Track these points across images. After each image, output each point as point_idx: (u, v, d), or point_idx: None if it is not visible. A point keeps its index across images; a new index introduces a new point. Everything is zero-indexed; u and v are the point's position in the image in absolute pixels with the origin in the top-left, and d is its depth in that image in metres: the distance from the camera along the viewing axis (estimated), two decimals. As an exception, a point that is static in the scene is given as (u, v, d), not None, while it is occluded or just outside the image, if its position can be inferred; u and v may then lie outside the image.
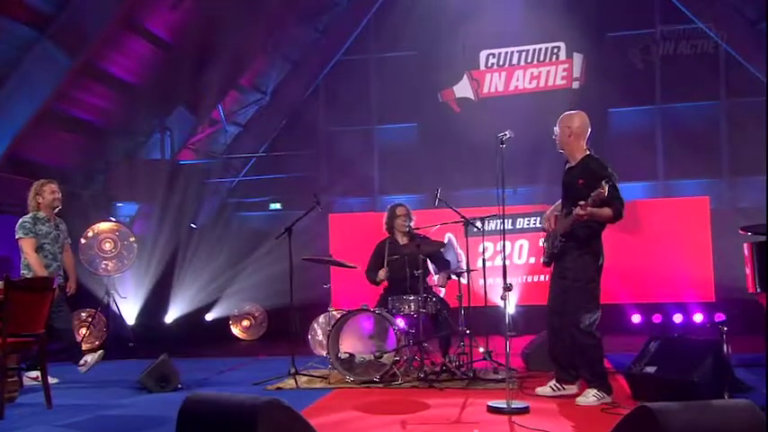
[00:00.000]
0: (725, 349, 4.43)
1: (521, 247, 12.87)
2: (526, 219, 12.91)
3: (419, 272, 6.13)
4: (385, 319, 5.94)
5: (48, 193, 6.60)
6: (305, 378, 6.17)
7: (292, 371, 6.19)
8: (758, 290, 5.18)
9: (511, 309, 12.19)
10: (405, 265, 6.62)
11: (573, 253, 5.05)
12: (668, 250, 12.18)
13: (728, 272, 11.77)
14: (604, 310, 12.28)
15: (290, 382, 6.09)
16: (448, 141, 13.90)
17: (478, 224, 6.62)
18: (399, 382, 5.79)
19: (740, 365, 6.17)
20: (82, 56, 10.60)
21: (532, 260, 12.82)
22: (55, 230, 6.67)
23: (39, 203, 6.59)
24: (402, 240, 6.85)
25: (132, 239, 11.24)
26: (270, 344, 12.08)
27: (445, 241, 13.26)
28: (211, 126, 14.66)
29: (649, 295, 12.23)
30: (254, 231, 14.28)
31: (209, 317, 13.18)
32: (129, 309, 11.99)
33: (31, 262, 6.37)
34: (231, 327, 13.07)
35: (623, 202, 4.96)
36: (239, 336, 13.08)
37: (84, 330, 11.09)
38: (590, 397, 4.87)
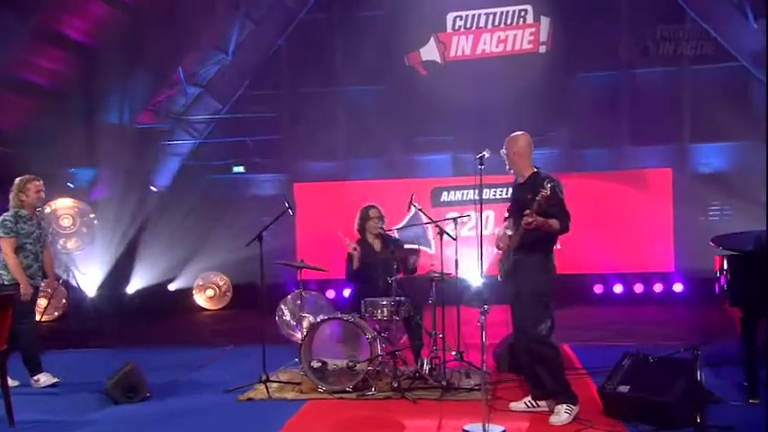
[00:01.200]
0: (698, 374, 4.50)
1: (487, 218, 12.90)
2: (492, 189, 12.91)
3: (393, 279, 6.08)
4: (358, 327, 5.90)
5: (32, 191, 6.21)
6: (276, 385, 6.14)
7: (264, 378, 6.14)
8: (730, 304, 5.26)
9: (478, 282, 12.31)
10: (378, 269, 6.55)
11: (525, 268, 5.08)
12: (630, 221, 12.41)
13: (686, 239, 12.06)
14: (567, 281, 12.69)
15: (261, 390, 6.04)
16: (415, 105, 13.70)
17: (452, 232, 6.54)
18: (372, 392, 5.79)
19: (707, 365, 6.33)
20: (35, 18, 10.16)
21: (499, 230, 12.87)
22: (37, 229, 6.32)
23: (22, 201, 6.23)
24: (374, 243, 6.76)
25: (92, 216, 10.95)
26: (235, 316, 12.03)
27: (411, 212, 13.29)
28: (171, 87, 14.21)
29: (611, 266, 12.46)
30: (217, 196, 14.07)
31: (172, 287, 13.04)
32: (91, 279, 11.79)
33: (10, 264, 6.06)
34: (195, 296, 12.96)
35: (570, 216, 5.01)
36: (203, 305, 13.00)
37: (43, 302, 10.88)
38: (562, 414, 4.94)
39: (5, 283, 6.16)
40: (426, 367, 6.10)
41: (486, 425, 4.55)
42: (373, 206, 6.81)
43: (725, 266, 5.41)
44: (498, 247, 5.38)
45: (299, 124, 14.40)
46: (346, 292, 12.94)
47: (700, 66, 13.05)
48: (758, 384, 5.06)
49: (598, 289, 12.47)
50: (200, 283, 12.95)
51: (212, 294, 13.01)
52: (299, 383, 6.10)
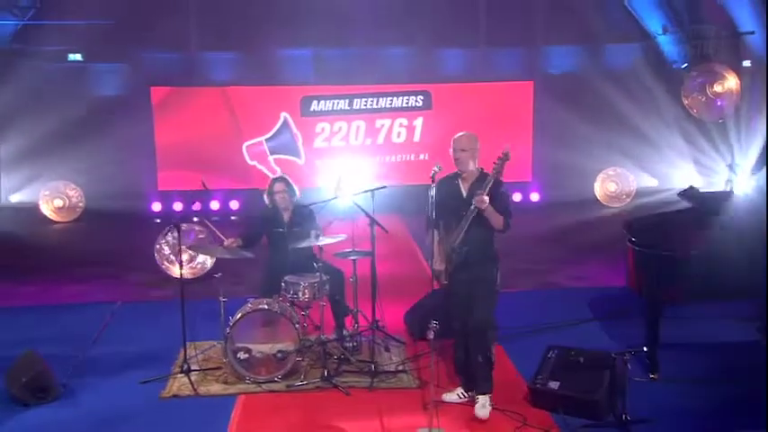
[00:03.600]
0: (625, 377, 4.91)
1: (357, 128, 12.77)
2: (363, 99, 12.71)
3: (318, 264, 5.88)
4: (285, 317, 5.75)
5: None
6: (196, 374, 5.87)
7: (185, 367, 5.84)
8: (639, 293, 5.73)
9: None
10: (285, 241, 6.28)
11: (480, 260, 5.17)
12: (493, 132, 12.67)
13: (544, 149, 12.72)
14: (425, 191, 12.83)
15: (184, 384, 5.75)
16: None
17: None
18: (303, 382, 5.75)
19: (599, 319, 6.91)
20: None
21: (369, 141, 12.85)
22: None
23: None
24: (284, 213, 6.45)
25: None
26: (87, 234, 11.32)
27: (281, 121, 12.81)
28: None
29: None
30: (53, 90, 12.63)
31: (14, 198, 11.85)
32: None
33: None
34: (41, 207, 11.91)
35: (512, 216, 5.14)
36: (51, 217, 12.00)
37: None
38: (487, 406, 5.18)
39: None
40: (349, 344, 6.13)
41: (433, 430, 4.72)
42: (280, 179, 6.45)
43: (635, 261, 5.84)
44: (435, 268, 5.37)
45: (142, 6, 12.61)
46: (233, 204, 12.69)
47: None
48: (658, 362, 5.58)
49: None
50: (47, 194, 11.85)
51: (61, 205, 12.01)
52: (218, 368, 5.90)
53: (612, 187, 12.80)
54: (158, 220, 11.92)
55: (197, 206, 12.56)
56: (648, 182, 13.31)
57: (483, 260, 5.19)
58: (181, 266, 6.51)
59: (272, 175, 6.95)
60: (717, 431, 4.98)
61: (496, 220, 5.05)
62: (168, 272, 8.84)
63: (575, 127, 12.49)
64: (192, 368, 5.80)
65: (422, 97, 12.91)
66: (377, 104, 12.76)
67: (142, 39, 12.77)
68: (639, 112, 12.68)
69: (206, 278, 8.56)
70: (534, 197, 13.05)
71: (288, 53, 13.20)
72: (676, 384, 5.52)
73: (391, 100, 12.85)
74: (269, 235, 6.42)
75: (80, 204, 12.11)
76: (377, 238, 6.18)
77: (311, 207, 6.53)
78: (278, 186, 6.35)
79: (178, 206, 11.97)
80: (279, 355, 5.65)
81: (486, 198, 4.92)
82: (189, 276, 8.85)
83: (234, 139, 12.75)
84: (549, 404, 5.23)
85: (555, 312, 7.13)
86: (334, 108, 12.75)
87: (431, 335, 4.77)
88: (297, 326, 5.67)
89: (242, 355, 5.65)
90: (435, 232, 5.35)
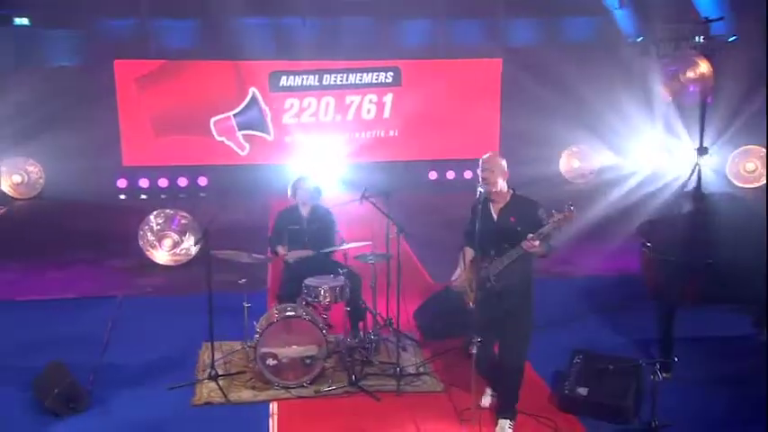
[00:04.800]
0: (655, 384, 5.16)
1: (327, 104, 12.76)
2: (333, 75, 12.67)
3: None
4: (312, 323, 5.82)
5: None
6: (225, 381, 5.89)
7: (212, 372, 5.86)
8: (648, 296, 6.05)
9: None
10: (305, 238, 6.33)
11: (517, 293, 5.24)
12: (462, 109, 12.98)
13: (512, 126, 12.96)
14: (403, 168, 13.14)
15: (214, 390, 5.75)
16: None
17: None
18: (331, 387, 5.86)
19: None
20: None
21: (338, 117, 12.83)
22: None
23: None
24: (303, 209, 6.48)
25: None
26: (53, 213, 10.98)
27: (249, 96, 12.61)
28: None
29: (443, 153, 13.14)
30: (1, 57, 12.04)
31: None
32: None
33: None
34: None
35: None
36: (9, 193, 11.54)
37: None
38: (507, 430, 5.38)
39: None
40: (367, 345, 6.25)
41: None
42: (308, 176, 6.50)
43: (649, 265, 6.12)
44: (458, 287, 5.42)
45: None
46: (202, 181, 12.64)
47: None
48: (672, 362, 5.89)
49: (432, 175, 13.15)
50: (5, 170, 11.37)
51: (20, 180, 11.56)
52: (242, 372, 5.95)
53: (576, 164, 13.21)
54: (123, 197, 11.67)
55: (163, 182, 12.42)
56: (612, 159, 13.66)
57: (520, 293, 5.24)
58: (210, 276, 6.21)
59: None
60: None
61: (541, 252, 5.08)
62: (151, 257, 8.73)
63: (539, 102, 12.67)
64: (220, 373, 5.83)
65: (392, 73, 12.95)
66: (346, 80, 12.73)
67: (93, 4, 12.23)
68: (599, 88, 12.96)
69: (189, 265, 8.62)
70: (502, 173, 13.35)
71: (250, 23, 12.90)
72: (689, 383, 5.79)
73: (361, 76, 12.85)
74: (288, 234, 6.43)
75: (40, 181, 11.68)
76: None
77: (330, 208, 6.59)
78: (304, 182, 6.39)
79: (144, 183, 11.73)
80: (307, 360, 5.73)
81: (537, 243, 4.91)
82: (171, 263, 8.84)
83: (201, 113, 12.51)
84: (577, 409, 5.48)
85: (554, 305, 7.12)
86: (304, 84, 12.65)
87: (473, 350, 4.89)
88: (324, 331, 5.76)
89: (270, 362, 5.70)
90: (469, 250, 5.35)
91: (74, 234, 9.87)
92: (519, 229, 5.02)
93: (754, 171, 12.80)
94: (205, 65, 12.56)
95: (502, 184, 5.16)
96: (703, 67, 10.48)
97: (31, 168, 11.62)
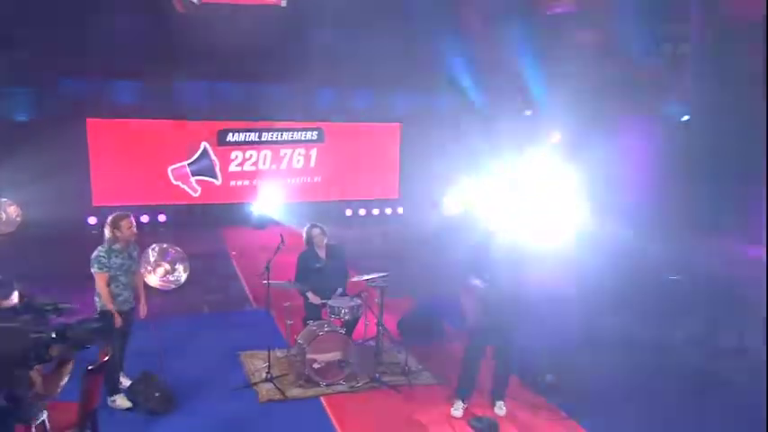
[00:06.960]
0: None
1: (265, 156, 15.52)
2: (270, 133, 15.50)
3: (341, 290, 7.71)
4: (344, 334, 7.15)
5: (125, 228, 6.59)
6: (278, 382, 6.96)
7: (268, 375, 7.02)
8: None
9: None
10: (325, 274, 7.67)
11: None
12: (370, 162, 16.19)
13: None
14: (325, 206, 15.66)
15: (271, 389, 6.83)
16: (177, 38, 12.84)
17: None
18: (359, 383, 7.05)
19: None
20: None
21: (274, 166, 15.61)
22: (128, 260, 6.55)
23: (116, 237, 6.50)
24: (319, 251, 7.81)
25: None
26: (32, 247, 11.91)
27: (201, 149, 14.69)
28: None
29: (356, 194, 16.41)
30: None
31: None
32: None
33: (103, 294, 6.37)
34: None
35: None
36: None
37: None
38: (504, 408, 6.56)
39: (99, 309, 6.46)
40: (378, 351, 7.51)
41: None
42: (315, 225, 7.91)
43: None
44: (474, 318, 6.35)
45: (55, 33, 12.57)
46: (161, 218, 14.41)
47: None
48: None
49: (348, 212, 16.33)
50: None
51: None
52: (285, 375, 7.17)
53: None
54: (95, 232, 12.73)
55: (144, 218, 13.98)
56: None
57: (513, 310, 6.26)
58: (268, 285, 7.16)
59: (307, 224, 8.02)
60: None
61: None
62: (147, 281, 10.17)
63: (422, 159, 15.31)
64: (274, 375, 7.07)
65: (316, 132, 15.87)
66: (281, 137, 15.47)
67: (51, 64, 13.02)
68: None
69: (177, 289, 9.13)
70: (400, 210, 16.75)
71: (181, 84, 14.21)
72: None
73: (292, 134, 15.62)
74: (312, 273, 7.69)
75: (17, 218, 13.16)
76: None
77: (340, 245, 8.05)
78: (315, 231, 7.78)
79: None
80: (341, 363, 7.06)
81: None
82: (158, 286, 9.19)
83: (161, 163, 14.69)
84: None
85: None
86: (246, 139, 15.28)
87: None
88: (358, 342, 7.45)
89: (316, 365, 6.98)
90: (480, 282, 6.14)
91: (60, 264, 10.43)
92: None
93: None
94: (165, 123, 14.64)
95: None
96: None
97: (9, 209, 13.02)
